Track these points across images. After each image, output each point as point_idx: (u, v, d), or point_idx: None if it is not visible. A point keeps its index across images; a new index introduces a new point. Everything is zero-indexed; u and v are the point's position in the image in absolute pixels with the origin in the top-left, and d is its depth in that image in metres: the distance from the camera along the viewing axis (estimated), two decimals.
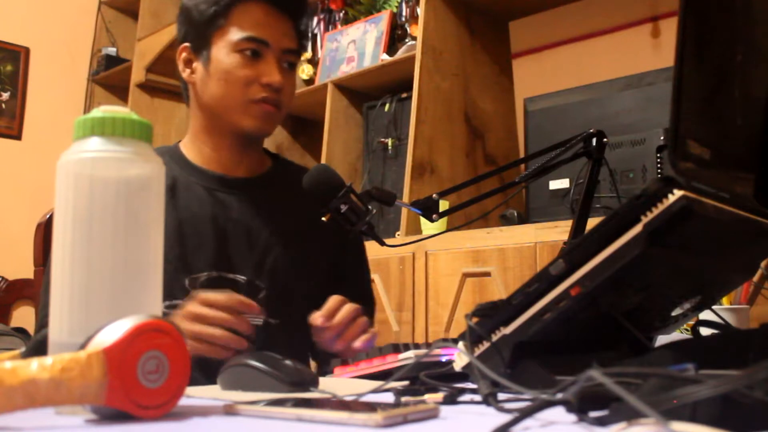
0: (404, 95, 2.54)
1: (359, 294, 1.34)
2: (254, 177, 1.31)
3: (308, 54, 3.12)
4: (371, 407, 0.54)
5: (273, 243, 1.26)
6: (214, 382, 0.82)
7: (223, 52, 1.22)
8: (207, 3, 1.23)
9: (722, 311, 1.14)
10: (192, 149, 1.30)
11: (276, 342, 1.18)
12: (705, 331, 0.88)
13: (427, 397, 0.64)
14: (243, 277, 1.21)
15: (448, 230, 1.93)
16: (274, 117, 1.24)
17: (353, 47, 2.85)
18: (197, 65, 1.26)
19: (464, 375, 0.70)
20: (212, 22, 1.23)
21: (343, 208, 1.03)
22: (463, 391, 0.65)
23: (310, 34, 1.37)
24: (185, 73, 1.28)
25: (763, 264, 1.40)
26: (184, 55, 1.28)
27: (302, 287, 1.28)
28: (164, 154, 1.28)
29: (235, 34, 1.21)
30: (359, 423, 0.50)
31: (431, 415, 0.55)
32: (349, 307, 1.09)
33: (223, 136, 1.27)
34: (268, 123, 1.24)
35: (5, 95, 3.65)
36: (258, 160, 1.33)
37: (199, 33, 1.25)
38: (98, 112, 0.62)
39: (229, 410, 0.59)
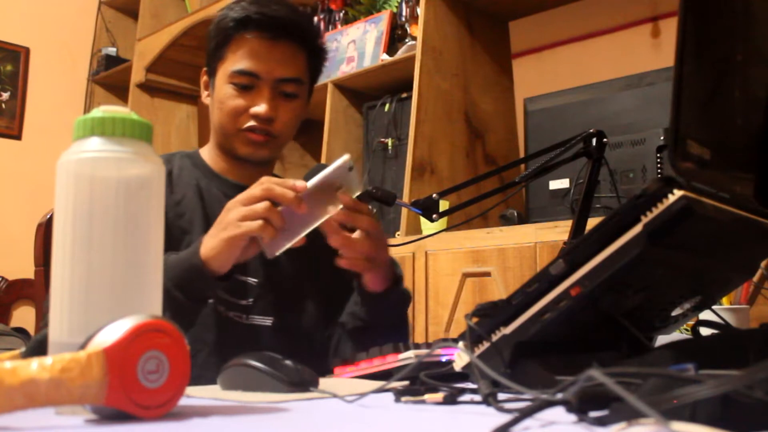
0: (404, 95, 2.54)
1: None
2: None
3: None
4: None
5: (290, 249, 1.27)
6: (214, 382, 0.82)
7: (221, 82, 1.25)
8: (214, 33, 1.27)
9: (722, 311, 1.14)
10: (212, 158, 1.33)
11: (284, 344, 1.19)
12: (705, 331, 0.88)
13: (427, 397, 0.64)
14: (254, 279, 1.23)
15: (447, 228, 1.93)
16: (267, 145, 1.26)
17: (353, 47, 2.85)
18: (210, 90, 1.30)
19: (464, 375, 0.70)
20: (216, 52, 1.26)
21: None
22: (463, 391, 0.65)
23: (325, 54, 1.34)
24: (203, 95, 1.33)
25: (763, 264, 1.40)
26: (203, 78, 1.33)
27: (311, 291, 1.29)
28: (184, 158, 1.33)
29: (229, 66, 1.24)
30: None
31: None
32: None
33: (233, 155, 1.30)
34: (260, 150, 1.26)
35: (5, 95, 3.65)
36: (266, 174, 1.34)
37: (210, 61, 1.29)
38: (98, 112, 0.62)
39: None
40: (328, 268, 1.27)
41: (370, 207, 1.09)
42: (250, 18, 1.22)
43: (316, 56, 1.30)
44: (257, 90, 1.23)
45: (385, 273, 1.14)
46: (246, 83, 1.23)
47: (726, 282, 0.85)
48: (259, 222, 0.98)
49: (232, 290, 1.19)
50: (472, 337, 0.69)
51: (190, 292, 1.02)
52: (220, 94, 1.25)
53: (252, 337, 1.20)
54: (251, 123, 1.23)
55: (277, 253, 1.01)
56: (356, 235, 1.06)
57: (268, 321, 1.22)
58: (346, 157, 1.01)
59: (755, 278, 1.53)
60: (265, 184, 1.00)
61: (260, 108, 1.22)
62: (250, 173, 1.29)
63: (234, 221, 0.99)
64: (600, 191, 1.76)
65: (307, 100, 1.32)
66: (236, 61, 1.23)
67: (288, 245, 1.01)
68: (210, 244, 1.02)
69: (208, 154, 1.34)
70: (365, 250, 1.07)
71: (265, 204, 0.98)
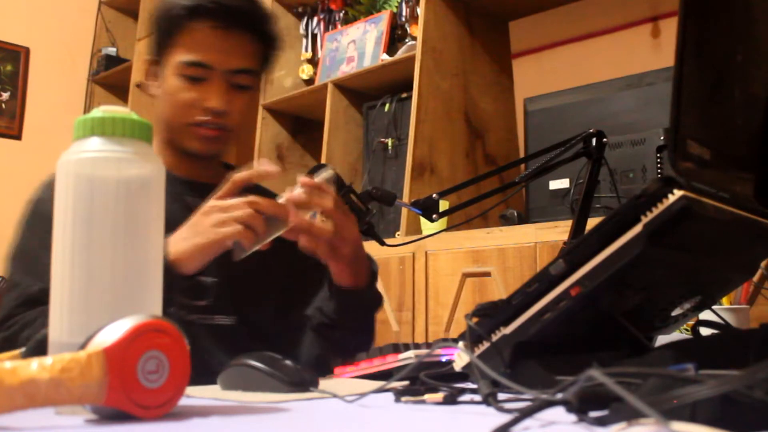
0: (404, 95, 2.54)
1: (325, 278, 1.33)
2: (216, 183, 1.28)
3: (308, 54, 3.12)
4: None
5: None
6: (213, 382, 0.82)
7: (170, 74, 1.18)
8: (161, 22, 1.18)
9: (722, 311, 1.14)
10: (156, 153, 1.28)
11: (240, 343, 1.15)
12: (705, 331, 0.88)
13: (427, 397, 0.64)
14: (211, 279, 1.17)
15: (447, 228, 1.93)
16: (219, 139, 1.20)
17: (353, 47, 2.85)
18: (157, 80, 1.22)
19: (464, 375, 0.70)
20: (164, 41, 1.18)
21: None
22: (463, 391, 0.65)
23: (277, 45, 1.27)
24: (149, 86, 1.24)
25: (763, 264, 1.40)
26: (148, 67, 1.24)
27: (270, 286, 1.25)
28: None
29: (179, 57, 1.16)
30: None
31: None
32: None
33: (181, 150, 1.24)
34: (212, 145, 1.20)
35: (5, 95, 3.65)
36: (221, 170, 1.29)
37: (156, 50, 1.21)
38: (98, 112, 0.62)
39: None
40: (284, 261, 1.23)
41: (369, 206, 1.08)
42: (203, 6, 1.15)
43: (269, 45, 1.23)
44: (209, 82, 1.16)
45: (356, 268, 1.10)
46: (198, 75, 1.16)
47: (726, 282, 0.85)
48: (239, 228, 0.93)
49: (190, 291, 1.13)
50: (472, 337, 0.69)
51: None
52: (169, 86, 1.17)
53: (216, 337, 1.16)
54: (204, 117, 1.17)
55: (244, 256, 0.98)
56: (316, 218, 1.02)
57: (230, 320, 1.18)
58: (330, 172, 1.01)
59: (755, 278, 1.53)
60: (250, 198, 0.95)
61: (214, 101, 1.16)
62: (198, 168, 1.24)
63: (210, 227, 0.95)
64: (600, 191, 1.75)
65: (258, 90, 1.26)
66: (187, 51, 1.16)
67: (257, 247, 0.98)
68: (181, 247, 0.96)
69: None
70: (324, 234, 1.02)
71: (249, 211, 0.94)
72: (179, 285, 0.98)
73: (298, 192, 1.00)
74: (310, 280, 1.27)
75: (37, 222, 1.20)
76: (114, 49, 3.93)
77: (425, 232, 2.04)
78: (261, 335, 1.21)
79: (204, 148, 1.20)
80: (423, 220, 1.91)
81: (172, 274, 0.95)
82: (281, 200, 0.99)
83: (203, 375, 0.76)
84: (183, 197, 1.21)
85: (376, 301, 1.18)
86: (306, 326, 1.23)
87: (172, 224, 1.19)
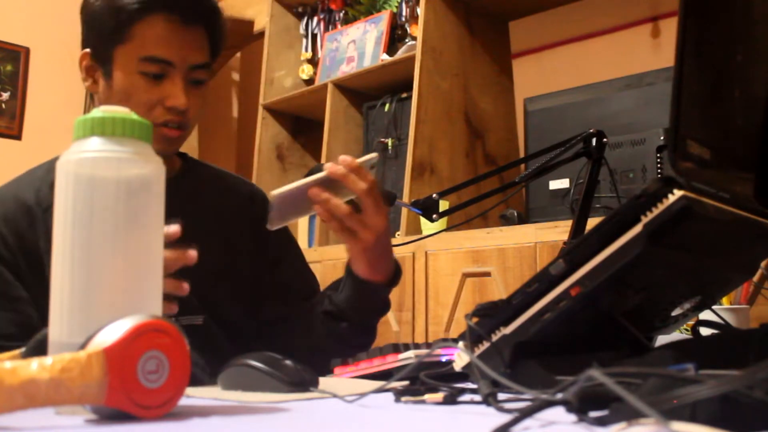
0: (404, 95, 2.54)
1: (300, 269, 1.32)
2: (169, 179, 1.25)
3: (308, 54, 3.12)
4: None
5: (193, 244, 1.22)
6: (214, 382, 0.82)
7: (124, 71, 1.10)
8: (108, 13, 1.10)
9: (722, 311, 1.14)
10: None
11: (212, 342, 1.15)
12: (705, 331, 0.88)
13: (427, 397, 0.64)
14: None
15: (447, 228, 1.93)
16: (180, 138, 1.16)
17: (353, 47, 2.85)
18: (99, 77, 1.14)
19: (464, 375, 0.70)
20: (114, 36, 1.10)
21: None
22: (463, 391, 0.65)
23: (222, 40, 1.22)
24: (87, 82, 1.16)
25: (763, 264, 1.40)
26: (85, 62, 1.15)
27: (237, 284, 1.23)
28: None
29: (136, 52, 1.09)
30: None
31: None
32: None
33: None
34: (171, 145, 1.15)
35: (5, 95, 3.65)
36: (170, 164, 1.24)
37: (100, 44, 1.12)
38: (98, 112, 0.62)
39: None
40: (249, 255, 1.24)
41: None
42: None
43: (219, 38, 1.18)
44: (168, 79, 1.10)
45: (374, 260, 1.10)
46: (158, 72, 1.09)
47: (726, 282, 0.85)
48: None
49: None
50: (472, 337, 0.69)
51: None
52: (125, 84, 1.10)
53: (190, 339, 1.14)
54: (166, 117, 1.11)
55: (277, 227, 1.02)
56: (337, 199, 1.02)
57: (198, 320, 1.15)
58: (374, 156, 1.02)
59: (755, 278, 1.53)
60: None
61: (177, 100, 1.10)
62: None
63: None
64: (600, 191, 1.75)
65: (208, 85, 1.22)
66: (144, 46, 1.09)
67: (290, 221, 1.04)
68: None
69: None
70: (339, 212, 1.02)
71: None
72: None
73: (334, 168, 1.01)
74: (282, 273, 1.27)
75: None
76: None
77: (425, 232, 2.04)
78: (232, 333, 1.20)
79: (164, 148, 1.12)
80: (423, 220, 1.91)
81: None
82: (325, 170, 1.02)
83: None
84: None
85: (385, 305, 1.19)
86: (281, 320, 1.23)
87: None
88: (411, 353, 0.88)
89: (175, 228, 0.81)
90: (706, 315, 0.88)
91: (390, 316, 2.17)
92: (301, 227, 2.83)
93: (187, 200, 1.23)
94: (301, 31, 3.18)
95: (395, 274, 1.16)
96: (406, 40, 2.64)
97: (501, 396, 0.61)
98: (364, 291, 1.13)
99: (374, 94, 2.73)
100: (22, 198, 1.13)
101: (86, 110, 3.79)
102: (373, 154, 1.02)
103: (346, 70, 2.82)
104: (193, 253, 0.84)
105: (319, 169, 1.04)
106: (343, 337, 1.15)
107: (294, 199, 1.01)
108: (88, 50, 1.15)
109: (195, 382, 0.67)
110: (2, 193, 1.16)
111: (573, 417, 0.49)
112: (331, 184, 1.02)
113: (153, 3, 1.09)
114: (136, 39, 1.09)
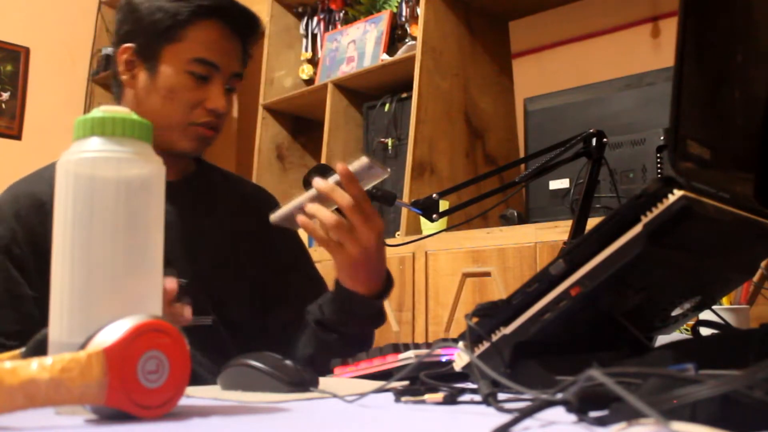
0: (404, 95, 2.54)
1: (311, 276, 1.33)
2: (181, 179, 1.26)
3: (308, 54, 3.12)
4: None
5: (204, 245, 1.22)
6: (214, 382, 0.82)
7: (172, 68, 1.15)
8: (164, 13, 1.14)
9: (722, 311, 1.14)
10: None
11: (219, 343, 1.16)
12: (705, 331, 0.88)
13: (427, 397, 0.64)
14: (183, 279, 1.15)
15: (447, 228, 1.93)
16: (211, 139, 1.20)
17: (353, 47, 2.85)
18: (140, 72, 1.17)
19: (464, 375, 0.70)
20: (166, 34, 1.14)
21: None
22: (463, 391, 0.65)
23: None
24: (125, 76, 1.19)
25: (763, 264, 1.40)
26: (126, 56, 1.18)
27: (245, 287, 1.24)
28: None
29: (187, 53, 1.14)
30: None
31: None
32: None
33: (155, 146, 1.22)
34: (203, 145, 1.20)
35: (5, 95, 3.65)
36: (185, 165, 1.29)
37: (149, 40, 1.16)
38: (98, 112, 0.62)
39: None
40: (257, 259, 1.25)
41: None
42: (221, 6, 1.16)
43: (250, 52, 1.25)
44: (212, 82, 1.16)
45: (361, 274, 1.08)
46: (204, 73, 1.15)
47: (726, 282, 0.85)
48: None
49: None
50: (472, 337, 0.69)
51: None
52: (171, 82, 1.15)
53: (195, 339, 1.14)
54: (206, 118, 1.16)
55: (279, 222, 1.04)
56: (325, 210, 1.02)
57: (208, 320, 1.17)
58: (364, 161, 1.00)
59: (755, 278, 1.53)
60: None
61: (218, 103, 1.15)
62: (169, 163, 1.24)
63: None
64: (600, 191, 1.75)
65: None
66: (197, 48, 1.14)
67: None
68: None
69: None
70: (326, 221, 1.01)
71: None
72: None
73: (322, 183, 1.01)
74: (293, 280, 1.27)
75: None
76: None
77: (425, 232, 2.04)
78: (239, 335, 1.20)
79: (196, 147, 1.19)
80: (423, 220, 1.91)
81: None
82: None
83: None
84: None
85: (378, 317, 1.16)
86: (290, 326, 1.23)
87: None
88: (411, 353, 0.88)
89: (172, 284, 0.82)
90: (706, 315, 0.87)
91: (390, 316, 2.17)
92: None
93: (199, 199, 1.26)
94: (301, 31, 3.18)
95: (385, 287, 1.13)
96: (406, 40, 2.64)
97: (501, 396, 0.61)
98: (352, 303, 1.10)
99: (374, 94, 2.73)
100: (38, 194, 1.14)
101: (86, 110, 3.79)
102: (363, 159, 1.00)
103: (346, 70, 2.82)
104: (188, 313, 0.86)
105: (320, 168, 1.04)
106: (333, 348, 1.13)
107: (291, 217, 1.04)
108: (130, 45, 1.18)
109: (198, 381, 0.68)
110: (18, 190, 1.18)
111: (573, 417, 0.49)
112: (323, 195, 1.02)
113: (211, 9, 1.15)
114: (188, 40, 1.15)
